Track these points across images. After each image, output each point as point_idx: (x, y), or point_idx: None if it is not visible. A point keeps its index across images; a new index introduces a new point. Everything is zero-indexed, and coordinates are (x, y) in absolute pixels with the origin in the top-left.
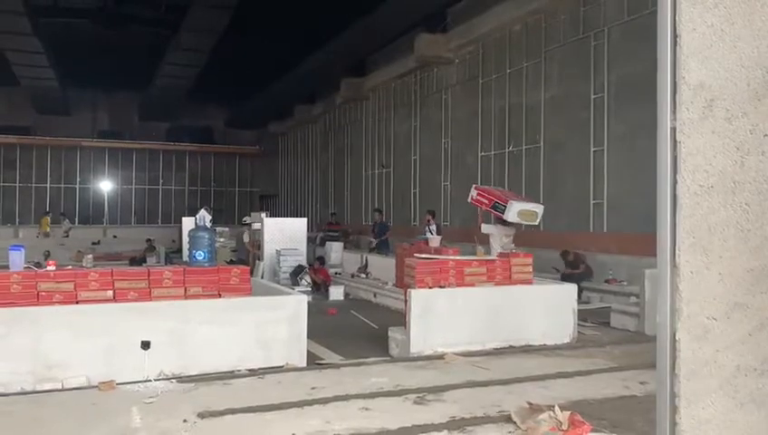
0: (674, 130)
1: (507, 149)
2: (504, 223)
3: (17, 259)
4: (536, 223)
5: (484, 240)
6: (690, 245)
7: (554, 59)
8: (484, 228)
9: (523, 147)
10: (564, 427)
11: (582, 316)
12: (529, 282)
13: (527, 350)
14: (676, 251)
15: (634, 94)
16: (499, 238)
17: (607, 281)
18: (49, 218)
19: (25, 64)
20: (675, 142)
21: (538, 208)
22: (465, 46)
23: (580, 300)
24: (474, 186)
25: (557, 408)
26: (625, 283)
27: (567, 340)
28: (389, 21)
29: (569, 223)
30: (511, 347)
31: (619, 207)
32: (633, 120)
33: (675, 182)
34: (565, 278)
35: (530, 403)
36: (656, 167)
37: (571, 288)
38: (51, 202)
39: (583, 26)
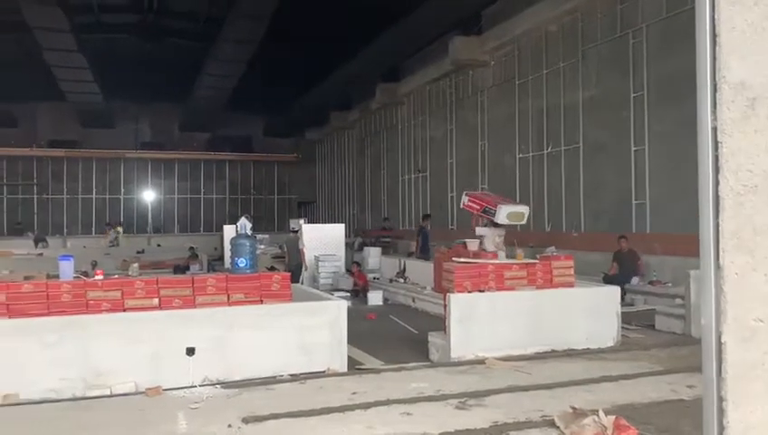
0: (715, 129)
1: (546, 151)
2: (496, 225)
3: (67, 269)
4: (524, 222)
5: (524, 243)
6: (734, 246)
7: (592, 58)
8: (478, 231)
9: (562, 148)
10: (609, 431)
11: (626, 319)
12: (571, 285)
13: (570, 354)
14: (720, 252)
15: (675, 92)
16: (492, 239)
17: (651, 283)
18: (121, 228)
19: (71, 80)
20: (716, 142)
21: (525, 210)
22: (501, 48)
23: (623, 302)
24: (465, 193)
25: (601, 412)
26: (670, 284)
27: (611, 343)
28: (423, 25)
29: (610, 224)
30: (553, 351)
31: (662, 207)
32: (675, 118)
33: (717, 182)
34: (609, 281)
35: (573, 408)
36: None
37: (615, 291)
38: (96, 213)
39: (621, 24)
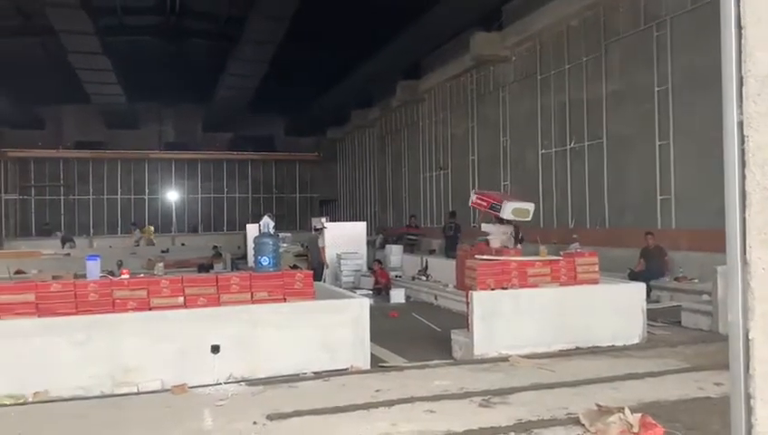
0: (741, 123)
1: (569, 146)
2: (501, 221)
3: (94, 269)
4: (529, 219)
5: (547, 240)
6: (762, 241)
7: (615, 52)
8: (484, 227)
9: (585, 143)
10: (635, 429)
11: (652, 316)
12: (595, 281)
13: (595, 351)
14: (747, 248)
15: (701, 85)
16: (498, 235)
17: (677, 279)
18: (152, 228)
19: (95, 82)
20: (742, 136)
21: (530, 206)
22: (522, 43)
23: (649, 299)
24: (473, 190)
25: (627, 410)
26: (696, 280)
27: (636, 340)
28: (444, 22)
29: (635, 219)
30: (578, 348)
31: (687, 202)
32: (700, 111)
33: (743, 177)
34: (634, 277)
35: (599, 405)
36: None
37: (640, 287)
38: (122, 213)
39: (644, 17)
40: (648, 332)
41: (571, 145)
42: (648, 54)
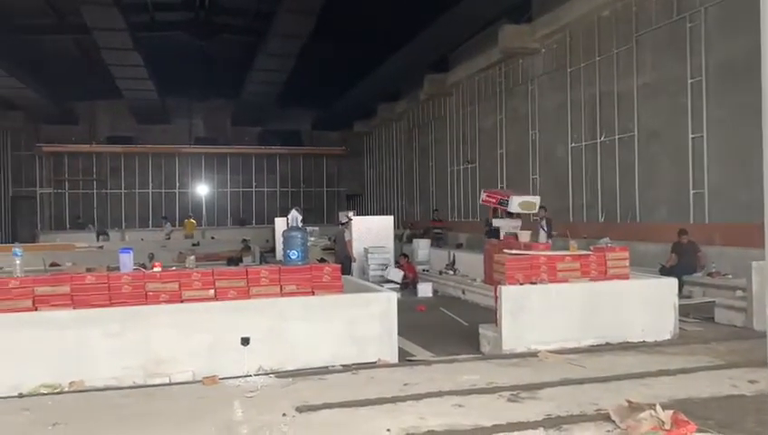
0: None
1: (599, 140)
2: (510, 215)
3: (127, 261)
4: (535, 211)
5: (577, 234)
6: None
7: (647, 43)
8: (495, 222)
9: (616, 136)
10: (667, 426)
11: (684, 311)
12: (626, 277)
13: (625, 347)
14: None
15: (735, 77)
16: (507, 229)
17: (710, 274)
18: (194, 222)
19: (127, 77)
20: None
21: (535, 199)
22: (552, 35)
23: (681, 294)
24: (483, 190)
25: (659, 406)
26: (730, 276)
27: (668, 336)
28: (472, 15)
29: (668, 214)
30: (608, 344)
31: (721, 196)
32: (735, 104)
33: None
34: (665, 272)
35: (629, 401)
36: (761, 153)
37: (672, 282)
38: (153, 207)
39: (677, 8)
40: (679, 328)
41: (602, 138)
42: (682, 46)
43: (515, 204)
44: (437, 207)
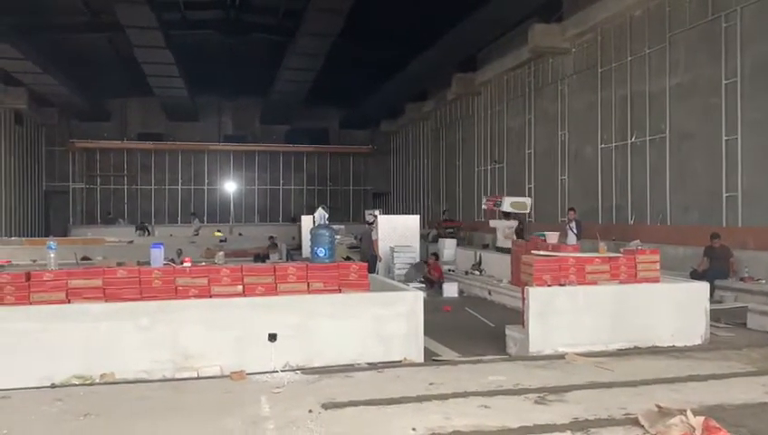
0: None
1: (629, 141)
2: (507, 216)
3: (158, 256)
4: (527, 211)
5: (606, 236)
6: None
7: (680, 43)
8: (492, 223)
9: (647, 137)
10: (698, 433)
11: (715, 316)
12: (656, 280)
13: (654, 351)
14: None
15: None
16: (503, 230)
17: (742, 279)
18: (221, 233)
19: (159, 75)
20: None
21: (526, 200)
22: (583, 35)
23: (712, 299)
24: (484, 196)
25: (689, 412)
26: (763, 281)
27: (698, 341)
28: (502, 14)
29: (699, 217)
30: (636, 348)
31: (755, 199)
32: None
33: None
34: (697, 276)
35: (659, 406)
36: None
37: (703, 287)
38: (182, 203)
39: (712, 7)
40: (710, 333)
41: (632, 139)
42: (716, 46)
43: (507, 204)
44: (447, 208)
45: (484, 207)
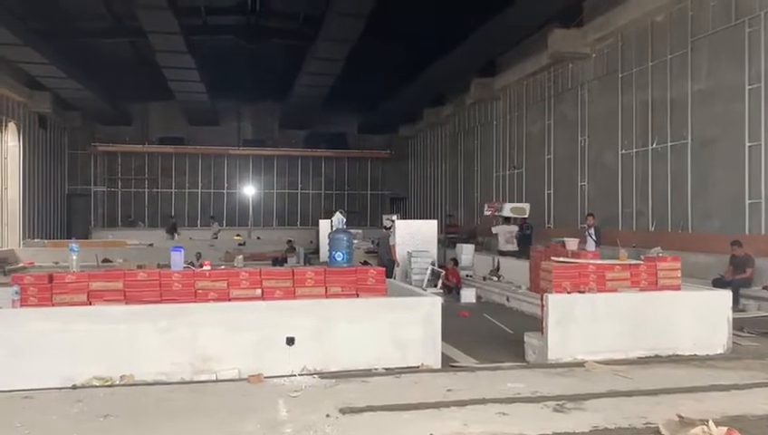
0: None
1: (651, 147)
2: (507, 221)
3: (178, 259)
4: (526, 216)
5: (627, 243)
6: None
7: (702, 49)
8: (494, 229)
9: (668, 143)
10: None
11: (738, 325)
12: (677, 288)
13: (675, 360)
14: None
15: None
16: (503, 235)
17: (765, 288)
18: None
19: (180, 80)
20: None
21: (525, 205)
22: (603, 40)
23: (735, 308)
24: (486, 203)
25: (711, 422)
26: None
27: (720, 350)
28: (521, 19)
29: (721, 225)
30: (657, 356)
31: None
32: None
33: None
34: (719, 285)
35: (680, 416)
36: None
37: (725, 295)
38: (202, 207)
39: (735, 12)
40: (733, 342)
41: (653, 145)
42: (740, 51)
43: (507, 209)
44: (451, 213)
45: (486, 213)
